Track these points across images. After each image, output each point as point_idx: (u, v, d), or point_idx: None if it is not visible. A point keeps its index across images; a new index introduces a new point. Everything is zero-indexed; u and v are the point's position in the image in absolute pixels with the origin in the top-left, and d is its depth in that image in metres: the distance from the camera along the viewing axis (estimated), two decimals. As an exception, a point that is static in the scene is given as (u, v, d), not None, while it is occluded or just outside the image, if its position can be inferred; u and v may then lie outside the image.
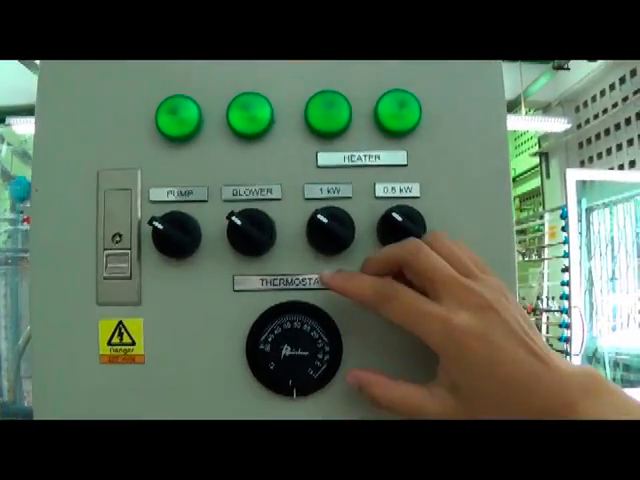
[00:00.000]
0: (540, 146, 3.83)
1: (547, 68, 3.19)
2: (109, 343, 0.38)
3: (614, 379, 2.41)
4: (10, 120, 2.82)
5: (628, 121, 2.92)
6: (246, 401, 0.38)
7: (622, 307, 2.57)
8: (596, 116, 3.21)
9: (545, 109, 3.62)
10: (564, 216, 2.38)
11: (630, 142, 2.92)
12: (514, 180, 4.07)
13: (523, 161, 4.06)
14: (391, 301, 0.32)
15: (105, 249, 0.38)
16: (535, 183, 3.95)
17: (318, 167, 0.39)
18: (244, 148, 0.39)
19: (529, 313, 2.71)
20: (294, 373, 0.37)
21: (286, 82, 0.40)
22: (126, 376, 0.38)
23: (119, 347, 0.38)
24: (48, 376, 0.38)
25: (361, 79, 0.39)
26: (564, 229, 2.38)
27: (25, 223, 2.01)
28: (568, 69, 3.15)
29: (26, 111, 2.79)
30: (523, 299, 2.96)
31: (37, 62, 0.41)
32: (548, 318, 2.81)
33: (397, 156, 0.39)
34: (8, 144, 2.44)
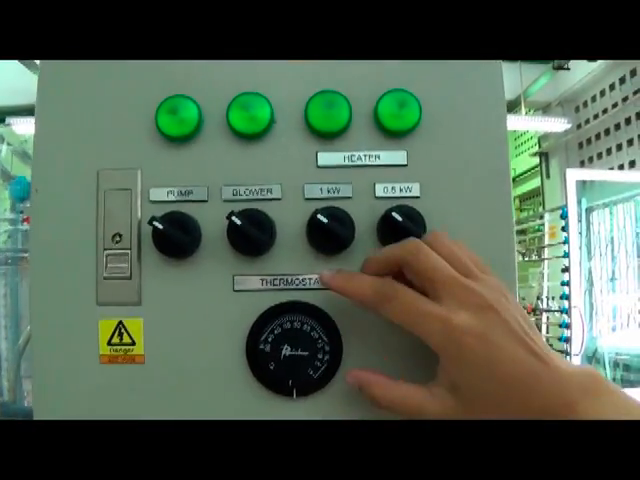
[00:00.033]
0: (540, 146, 3.83)
1: (547, 68, 3.19)
2: (109, 343, 0.38)
3: (614, 379, 2.41)
4: (10, 120, 2.82)
5: (628, 121, 2.92)
6: (246, 401, 0.38)
7: (622, 307, 2.57)
8: (596, 116, 3.21)
9: (545, 109, 3.62)
10: (564, 216, 2.38)
11: (630, 142, 2.92)
12: (514, 180, 4.06)
13: (523, 161, 4.06)
14: (391, 301, 0.32)
15: (105, 249, 0.38)
16: (535, 183, 3.95)
17: (318, 167, 0.39)
18: (244, 148, 0.39)
19: (529, 313, 2.71)
20: (294, 373, 0.37)
21: (286, 82, 0.40)
22: (126, 376, 0.38)
23: (119, 347, 0.38)
24: (48, 376, 0.38)
25: (361, 79, 0.39)
26: (564, 229, 2.38)
27: (25, 223, 2.01)
28: (568, 69, 3.15)
29: (26, 111, 2.79)
30: (523, 299, 2.96)
31: (37, 62, 0.41)
32: (548, 318, 2.81)
33: (397, 156, 0.39)
34: (8, 144, 2.44)
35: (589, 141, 3.31)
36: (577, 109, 3.41)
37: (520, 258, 3.19)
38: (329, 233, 0.36)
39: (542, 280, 2.90)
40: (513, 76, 3.09)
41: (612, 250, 2.60)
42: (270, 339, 0.37)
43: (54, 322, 0.38)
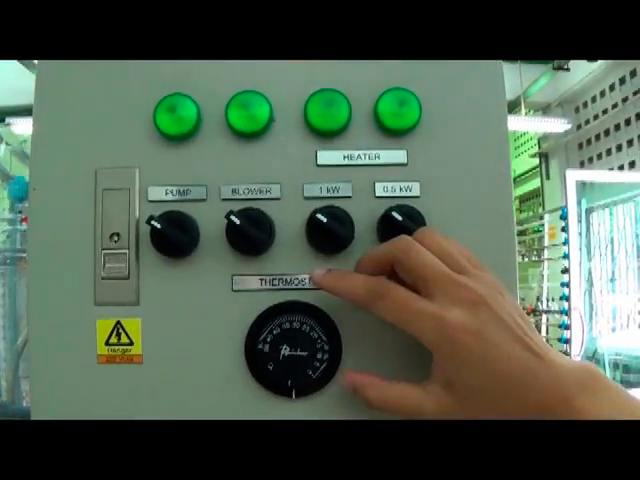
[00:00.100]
0: (540, 147, 3.83)
1: (547, 69, 3.19)
2: (107, 343, 0.38)
3: (613, 380, 2.40)
4: (9, 120, 2.82)
5: (628, 122, 2.92)
6: (245, 401, 0.37)
7: (622, 308, 2.57)
8: (596, 117, 3.21)
9: (545, 110, 3.63)
10: (564, 217, 2.38)
11: (630, 143, 2.92)
12: (514, 181, 4.06)
13: (523, 162, 4.07)
14: (383, 299, 0.32)
15: (103, 249, 0.38)
16: (535, 184, 3.95)
17: (317, 166, 0.39)
18: (243, 147, 0.39)
19: (529, 314, 2.71)
20: (293, 373, 0.37)
21: (285, 80, 0.39)
22: (124, 376, 0.37)
23: (117, 347, 0.37)
24: (46, 376, 0.38)
25: (361, 77, 0.39)
26: (564, 230, 2.38)
27: (23, 223, 2.01)
28: (568, 70, 3.15)
29: (26, 111, 2.79)
30: (523, 300, 2.97)
31: (36, 62, 0.41)
32: (548, 319, 2.81)
33: (397, 155, 0.39)
34: (7, 144, 2.44)
35: (589, 142, 3.32)
36: (577, 110, 3.41)
37: (520, 259, 3.19)
38: (328, 233, 0.36)
39: (542, 281, 2.90)
40: (513, 77, 3.09)
41: (612, 251, 2.60)
42: (269, 339, 0.37)
43: (52, 322, 0.38)
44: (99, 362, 0.37)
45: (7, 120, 2.84)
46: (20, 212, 2.03)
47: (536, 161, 3.87)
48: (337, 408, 0.37)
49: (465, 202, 0.39)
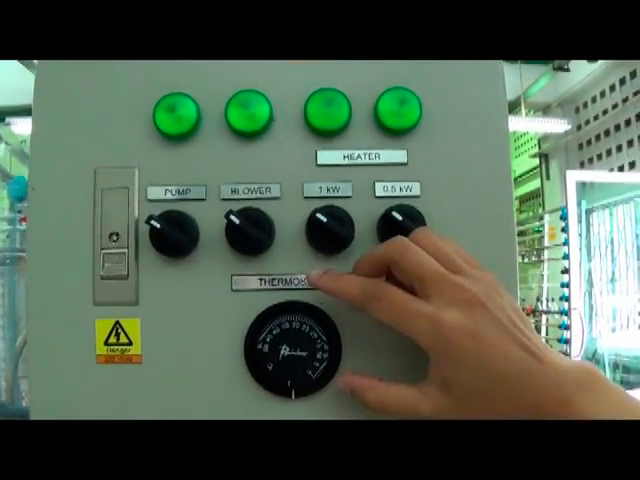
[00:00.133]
0: (540, 147, 3.83)
1: (547, 69, 3.19)
2: (106, 343, 0.37)
3: (613, 381, 2.41)
4: (9, 120, 2.82)
5: (628, 122, 2.92)
6: (244, 402, 0.37)
7: (622, 309, 2.56)
8: (596, 117, 3.21)
9: (545, 110, 3.62)
10: (564, 217, 2.38)
11: (630, 143, 2.92)
12: (514, 181, 4.06)
13: (523, 162, 4.06)
14: (379, 301, 0.32)
15: (102, 248, 0.38)
16: (535, 184, 3.95)
17: (317, 166, 0.39)
18: (243, 146, 0.39)
19: (528, 315, 2.71)
20: (293, 374, 0.37)
21: (285, 80, 0.39)
22: (123, 376, 0.37)
23: (116, 347, 0.37)
24: (45, 376, 0.38)
25: (361, 77, 0.39)
26: (564, 230, 2.38)
27: (23, 223, 2.01)
28: (568, 70, 3.15)
29: (26, 111, 2.79)
30: (523, 300, 2.96)
31: (36, 62, 0.41)
32: (548, 320, 2.81)
33: (397, 155, 0.39)
34: (7, 144, 2.44)
35: (589, 142, 3.32)
36: (577, 110, 3.41)
37: (520, 259, 3.18)
38: (328, 232, 0.36)
39: (542, 281, 2.90)
40: (513, 77, 3.09)
41: (612, 251, 2.59)
42: (269, 339, 0.37)
43: (51, 322, 0.38)
44: (98, 362, 0.37)
45: (7, 120, 2.84)
46: (19, 212, 2.02)
47: (536, 161, 3.87)
48: (337, 408, 0.37)
49: (465, 202, 0.39)
